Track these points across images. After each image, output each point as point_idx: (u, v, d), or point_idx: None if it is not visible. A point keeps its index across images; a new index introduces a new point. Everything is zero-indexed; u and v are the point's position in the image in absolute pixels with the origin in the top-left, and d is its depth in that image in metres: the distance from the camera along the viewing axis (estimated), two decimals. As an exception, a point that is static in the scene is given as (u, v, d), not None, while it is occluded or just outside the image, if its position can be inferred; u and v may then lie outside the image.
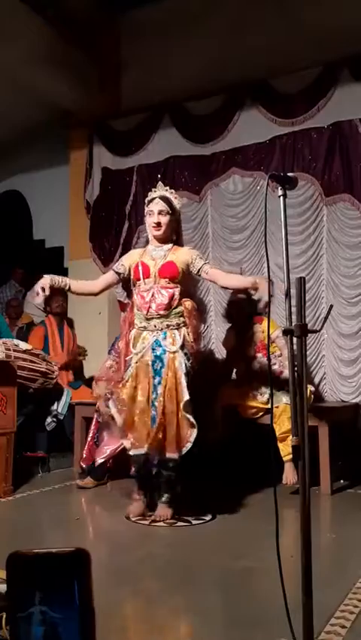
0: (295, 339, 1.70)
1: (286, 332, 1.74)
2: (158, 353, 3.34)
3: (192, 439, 3.27)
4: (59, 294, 5.77)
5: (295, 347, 1.71)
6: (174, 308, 3.40)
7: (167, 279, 3.39)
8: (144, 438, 3.31)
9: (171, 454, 3.29)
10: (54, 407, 4.89)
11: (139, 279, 3.46)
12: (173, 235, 3.53)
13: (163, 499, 3.38)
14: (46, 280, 3.52)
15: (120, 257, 5.56)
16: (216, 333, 5.13)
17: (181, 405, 3.26)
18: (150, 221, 3.47)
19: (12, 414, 4.06)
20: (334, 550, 2.93)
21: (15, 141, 6.04)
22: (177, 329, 3.39)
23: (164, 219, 3.43)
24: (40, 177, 6.29)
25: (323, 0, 4.69)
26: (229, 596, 2.32)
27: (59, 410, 4.89)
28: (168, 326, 3.38)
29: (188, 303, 3.46)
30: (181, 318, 3.42)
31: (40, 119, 5.67)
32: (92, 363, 5.50)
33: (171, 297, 3.38)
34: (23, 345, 4.59)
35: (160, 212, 3.43)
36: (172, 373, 3.30)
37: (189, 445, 3.27)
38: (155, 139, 5.43)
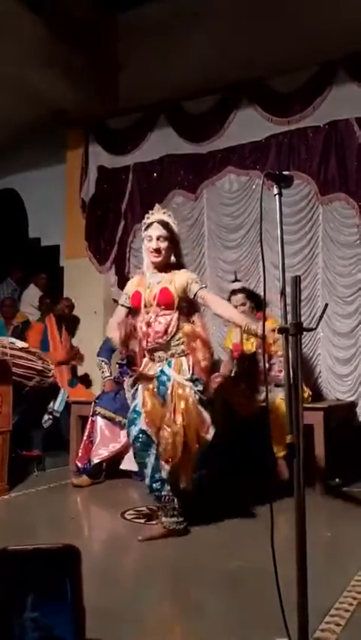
0: (290, 338, 1.71)
1: (282, 330, 1.74)
2: (163, 379, 3.17)
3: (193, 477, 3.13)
4: (67, 297, 5.78)
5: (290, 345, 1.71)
6: (173, 335, 3.21)
7: (163, 307, 3.21)
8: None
9: (184, 484, 3.13)
10: (50, 405, 4.89)
11: (137, 308, 3.30)
12: (172, 258, 3.32)
13: (165, 521, 3.17)
14: None
15: (116, 255, 5.63)
16: (212, 332, 5.12)
17: (202, 441, 3.12)
18: (148, 246, 3.26)
19: (7, 412, 4.05)
20: (329, 548, 2.93)
21: (11, 139, 6.02)
22: (183, 356, 3.20)
23: (163, 245, 3.23)
24: (36, 176, 6.27)
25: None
26: (224, 595, 2.32)
27: (56, 408, 4.88)
28: (172, 355, 3.20)
29: (186, 328, 3.23)
30: (185, 345, 3.22)
31: (36, 118, 5.65)
32: (87, 362, 5.50)
33: (168, 325, 3.19)
34: (19, 344, 4.58)
35: (159, 238, 3.22)
36: (182, 402, 3.09)
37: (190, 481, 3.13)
38: (151, 138, 5.43)
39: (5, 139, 6.01)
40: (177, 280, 3.25)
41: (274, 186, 1.86)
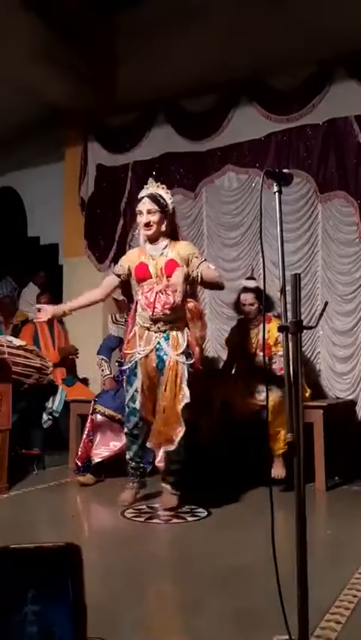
0: (290, 336, 1.70)
1: (282, 328, 1.74)
2: (161, 355, 3.41)
3: (179, 437, 3.34)
4: (46, 293, 5.76)
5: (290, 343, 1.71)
6: (180, 309, 3.39)
7: (170, 278, 3.37)
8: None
9: (168, 446, 3.38)
10: (49, 404, 4.89)
11: (142, 280, 3.46)
12: (167, 230, 3.52)
13: (168, 488, 3.48)
14: (47, 314, 3.75)
15: (115, 254, 5.62)
16: (211, 331, 5.13)
17: (179, 407, 3.32)
18: (139, 220, 3.51)
19: (7, 411, 4.05)
20: (329, 546, 2.94)
21: (9, 138, 6.01)
22: (180, 330, 3.42)
23: (153, 218, 3.45)
24: (35, 174, 6.26)
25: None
26: (224, 592, 2.32)
27: (54, 407, 4.88)
28: (171, 327, 3.41)
29: (192, 304, 3.47)
30: (185, 320, 3.44)
31: (34, 116, 5.64)
32: (85, 360, 5.49)
33: (175, 296, 3.35)
34: (17, 342, 4.58)
35: (149, 212, 3.45)
36: (173, 375, 3.36)
37: (177, 440, 3.35)
38: (150, 136, 5.42)
39: (3, 137, 6.00)
40: (181, 251, 3.47)
41: (274, 184, 1.86)
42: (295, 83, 4.74)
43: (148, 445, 3.54)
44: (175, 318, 3.41)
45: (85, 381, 5.60)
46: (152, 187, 3.55)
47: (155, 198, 3.47)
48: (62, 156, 6.04)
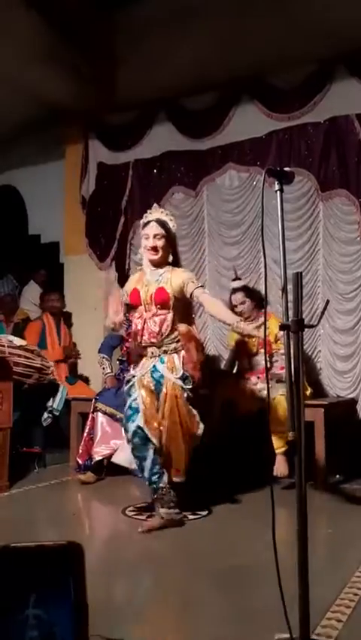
0: (291, 335, 1.70)
1: (283, 327, 1.74)
2: (157, 377, 3.30)
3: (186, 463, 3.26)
4: (55, 292, 5.76)
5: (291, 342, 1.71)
6: (167, 335, 3.32)
7: (159, 306, 3.33)
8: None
9: (178, 478, 3.26)
10: (50, 403, 4.89)
11: (133, 306, 3.44)
12: (169, 256, 3.44)
13: (162, 511, 3.25)
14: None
15: (116, 252, 5.63)
16: (212, 330, 5.13)
17: (192, 437, 3.28)
18: (145, 244, 3.39)
19: (8, 409, 4.05)
20: (330, 545, 2.94)
21: (10, 136, 6.00)
22: (175, 353, 3.33)
23: (160, 243, 3.36)
24: (36, 172, 6.26)
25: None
26: (225, 590, 2.32)
27: (55, 406, 4.88)
28: (165, 351, 3.33)
29: (183, 328, 3.37)
30: (178, 343, 3.34)
31: (35, 114, 5.63)
32: (87, 359, 5.49)
33: (162, 325, 3.31)
34: (17, 341, 4.58)
35: (156, 236, 3.35)
36: (172, 402, 3.24)
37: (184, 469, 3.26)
38: (151, 134, 5.42)
39: (4, 135, 6.00)
40: (174, 279, 3.37)
41: (275, 183, 1.86)
42: (296, 82, 4.74)
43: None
44: (167, 343, 3.33)
45: (86, 380, 5.61)
46: (156, 212, 3.46)
47: (162, 223, 3.37)
48: (62, 154, 6.03)
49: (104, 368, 4.80)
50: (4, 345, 4.31)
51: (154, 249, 3.35)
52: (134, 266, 5.27)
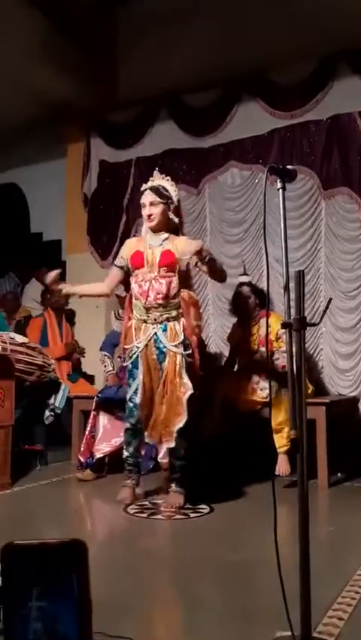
0: (293, 333, 1.70)
1: (285, 325, 1.73)
2: (160, 347, 3.42)
3: (178, 427, 3.35)
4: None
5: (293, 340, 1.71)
6: (173, 298, 3.42)
7: (165, 268, 3.42)
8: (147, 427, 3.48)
9: (169, 441, 3.39)
10: (52, 401, 4.90)
11: (137, 268, 3.48)
12: (170, 222, 3.54)
13: (173, 486, 3.46)
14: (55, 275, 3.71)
15: (118, 250, 5.60)
16: (214, 327, 5.13)
17: (184, 398, 3.33)
18: (142, 213, 3.55)
19: (10, 407, 4.05)
20: (331, 542, 2.94)
21: (12, 135, 6.00)
22: (176, 320, 3.43)
23: (155, 210, 3.48)
24: (38, 170, 6.25)
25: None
26: (226, 588, 2.32)
27: (57, 404, 4.89)
28: (167, 319, 3.41)
29: (185, 294, 3.50)
30: (180, 310, 3.46)
31: (36, 113, 5.63)
32: (88, 357, 5.49)
33: (169, 286, 3.41)
34: (19, 339, 4.58)
35: (151, 204, 3.48)
36: (172, 368, 3.37)
37: (175, 431, 3.36)
38: (152, 132, 5.42)
39: (6, 134, 5.99)
40: (180, 245, 3.48)
41: (278, 180, 1.86)
42: (298, 79, 4.73)
43: (148, 440, 3.54)
44: (170, 308, 3.43)
45: (89, 378, 5.60)
46: (157, 179, 3.60)
47: (157, 190, 3.50)
48: (64, 152, 6.03)
49: (105, 366, 4.81)
50: (5, 342, 4.31)
51: (149, 216, 3.49)
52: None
